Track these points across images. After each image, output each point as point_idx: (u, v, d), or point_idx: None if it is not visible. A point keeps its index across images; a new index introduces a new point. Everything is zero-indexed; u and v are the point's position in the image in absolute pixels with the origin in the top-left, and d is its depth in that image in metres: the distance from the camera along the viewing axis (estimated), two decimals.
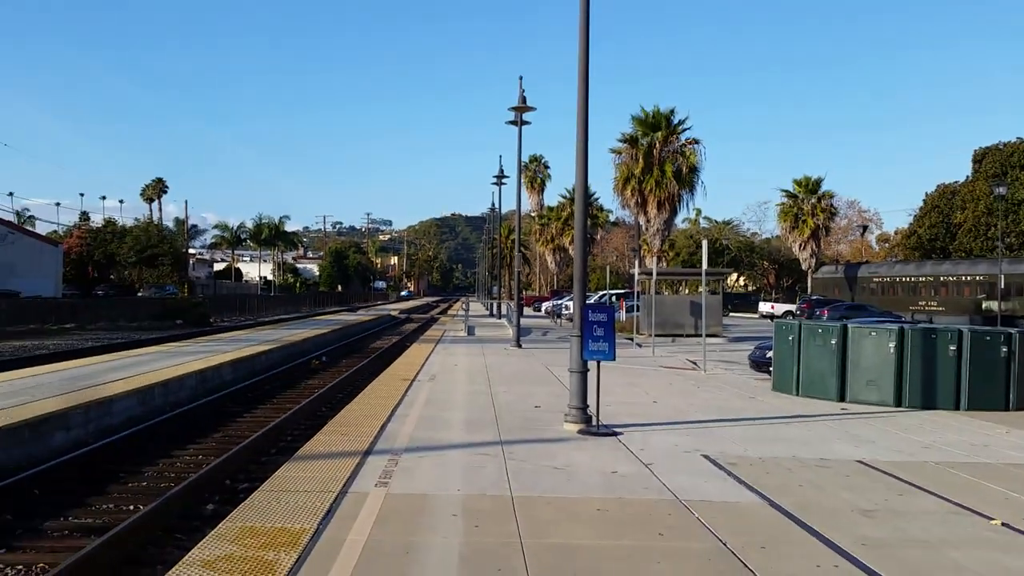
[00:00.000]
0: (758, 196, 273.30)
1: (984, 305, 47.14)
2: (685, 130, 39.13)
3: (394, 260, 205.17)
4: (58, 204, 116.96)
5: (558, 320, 47.26)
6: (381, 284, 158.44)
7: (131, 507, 8.87)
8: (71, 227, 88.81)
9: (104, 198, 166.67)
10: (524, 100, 24.91)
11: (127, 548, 7.33)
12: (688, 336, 32.04)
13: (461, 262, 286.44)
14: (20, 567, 7.04)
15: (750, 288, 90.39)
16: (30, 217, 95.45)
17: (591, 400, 11.29)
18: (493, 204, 61.43)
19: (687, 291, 41.97)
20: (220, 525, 6.52)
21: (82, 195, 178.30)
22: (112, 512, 8.77)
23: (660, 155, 38.28)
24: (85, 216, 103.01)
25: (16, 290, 51.57)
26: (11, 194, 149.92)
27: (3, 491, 8.84)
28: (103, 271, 75.49)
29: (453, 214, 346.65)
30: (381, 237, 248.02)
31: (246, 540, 6.07)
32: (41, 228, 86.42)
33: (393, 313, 66.25)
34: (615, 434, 10.86)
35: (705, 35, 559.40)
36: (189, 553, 5.83)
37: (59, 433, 11.62)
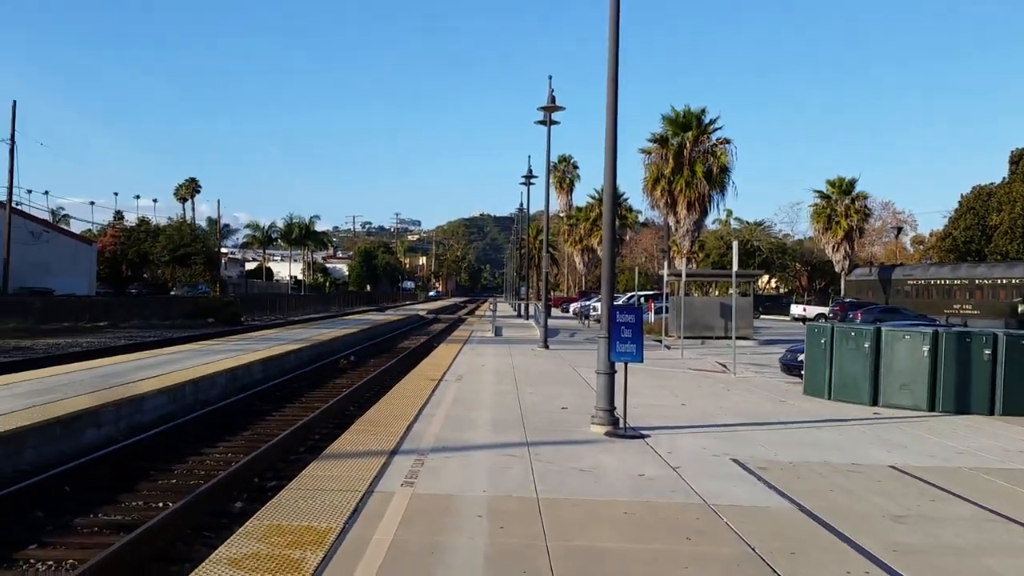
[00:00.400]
0: (790, 197, 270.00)
1: (1020, 308, 46.27)
2: (716, 130, 38.79)
3: (423, 260, 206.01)
4: (92, 203, 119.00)
5: (586, 321, 47.14)
6: (410, 284, 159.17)
7: (160, 504, 8.96)
8: (105, 226, 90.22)
9: (138, 197, 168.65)
10: (553, 100, 24.87)
11: (156, 545, 7.39)
12: (718, 338, 31.80)
13: (489, 262, 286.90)
14: (50, 563, 7.13)
15: (782, 290, 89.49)
16: (65, 216, 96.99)
17: (618, 402, 11.22)
18: (521, 204, 61.51)
19: (717, 293, 41.65)
20: (247, 523, 6.55)
21: (116, 194, 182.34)
22: (141, 509, 8.85)
23: (690, 155, 37.98)
24: (119, 215, 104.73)
25: (50, 288, 52.41)
26: (46, 193, 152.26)
27: (35, 488, 8.96)
28: (136, 270, 76.49)
29: (481, 214, 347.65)
30: (410, 237, 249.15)
31: (273, 538, 6.09)
32: (76, 227, 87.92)
33: (421, 313, 66.47)
34: (643, 437, 10.79)
35: (734, 33, 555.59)
36: (216, 551, 5.87)
37: (90, 430, 11.77)
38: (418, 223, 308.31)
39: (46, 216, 79.96)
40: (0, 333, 32.36)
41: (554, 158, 60.45)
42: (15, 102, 48.87)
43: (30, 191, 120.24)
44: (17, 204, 52.30)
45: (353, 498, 7.22)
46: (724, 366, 21.42)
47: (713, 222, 75.37)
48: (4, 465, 9.66)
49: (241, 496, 9.36)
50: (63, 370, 17.23)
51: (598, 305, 44.19)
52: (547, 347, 26.42)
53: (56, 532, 7.99)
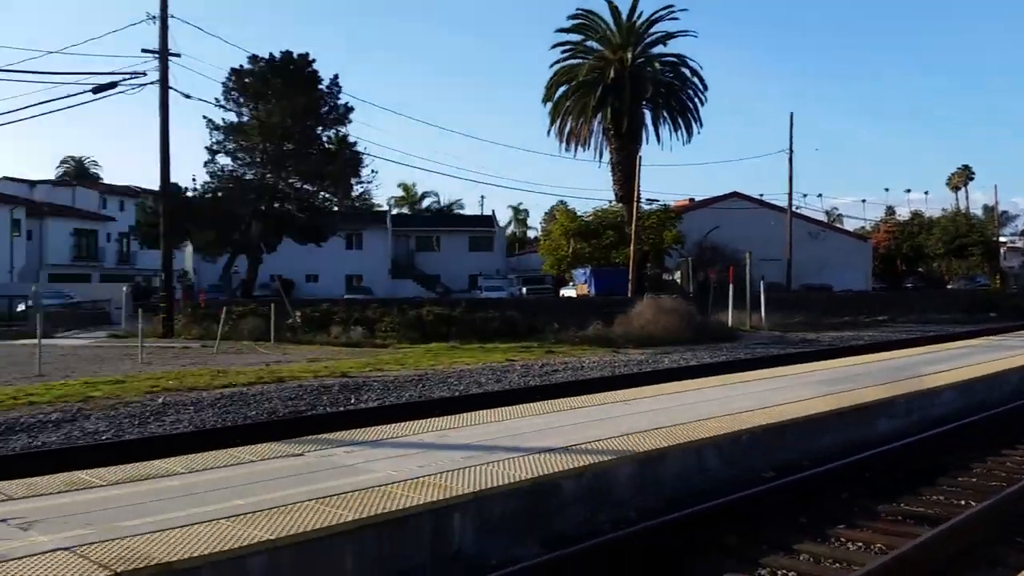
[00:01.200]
0: None
1: None
2: None
3: None
4: (864, 201, 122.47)
5: None
6: None
7: (961, 502, 8.72)
8: (877, 222, 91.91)
9: (908, 191, 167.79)
10: None
11: (959, 542, 7.22)
12: None
13: None
14: (860, 544, 7.56)
15: None
16: (839, 216, 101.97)
17: None
18: None
19: None
20: None
21: (887, 190, 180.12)
22: (942, 504, 8.74)
23: None
24: (890, 211, 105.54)
25: (828, 284, 56.01)
26: (820, 195, 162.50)
27: (837, 472, 9.56)
28: (911, 264, 76.24)
29: None
30: None
31: None
32: (848, 225, 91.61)
33: None
34: None
35: None
36: None
37: (882, 420, 12.14)
38: None
39: (821, 217, 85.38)
40: (788, 326, 35.76)
41: None
42: (792, 114, 53.71)
43: (805, 195, 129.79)
44: (796, 208, 57.04)
45: None
46: None
47: None
48: (806, 446, 10.63)
49: None
50: (847, 362, 18.15)
51: None
52: None
53: (861, 515, 8.42)
